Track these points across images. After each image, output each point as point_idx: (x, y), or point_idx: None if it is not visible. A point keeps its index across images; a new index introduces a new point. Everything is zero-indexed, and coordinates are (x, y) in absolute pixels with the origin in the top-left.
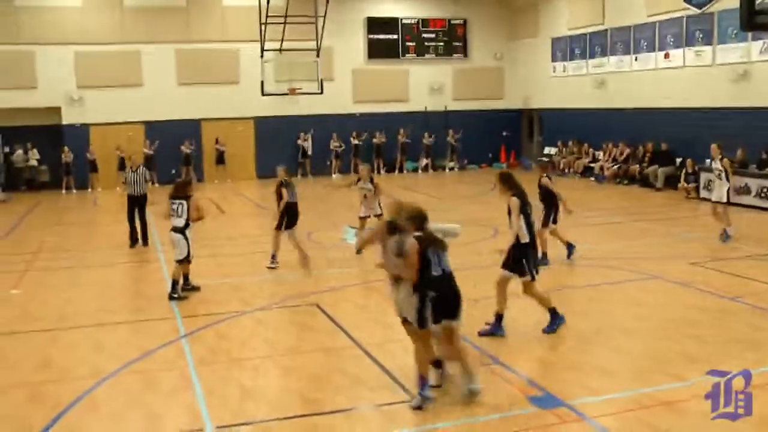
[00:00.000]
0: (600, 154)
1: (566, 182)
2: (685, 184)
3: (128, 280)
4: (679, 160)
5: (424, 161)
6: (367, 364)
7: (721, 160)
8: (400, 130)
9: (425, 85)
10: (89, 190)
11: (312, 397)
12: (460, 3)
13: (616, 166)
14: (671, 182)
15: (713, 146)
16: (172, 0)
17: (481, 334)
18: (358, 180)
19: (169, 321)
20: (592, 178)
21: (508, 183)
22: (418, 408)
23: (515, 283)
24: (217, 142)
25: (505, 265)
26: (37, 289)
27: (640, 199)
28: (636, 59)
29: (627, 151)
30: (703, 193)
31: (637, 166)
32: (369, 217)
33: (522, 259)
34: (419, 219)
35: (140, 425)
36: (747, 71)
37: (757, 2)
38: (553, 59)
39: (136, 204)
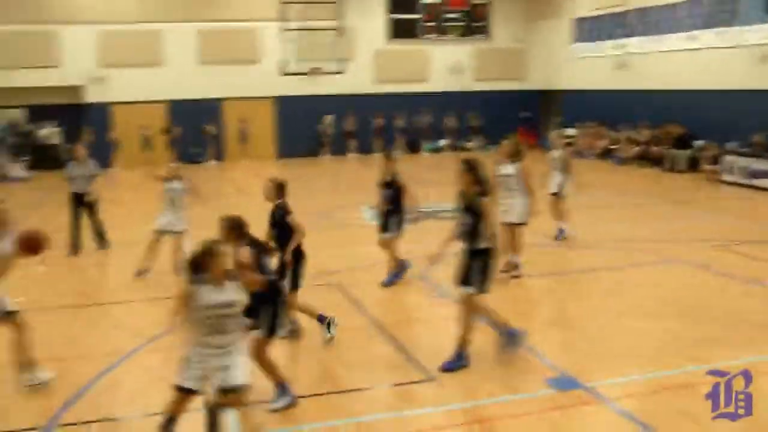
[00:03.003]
0: (621, 136)
1: (586, 164)
2: (707, 167)
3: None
4: (701, 142)
5: (444, 142)
6: (383, 342)
7: (563, 149)
8: (420, 110)
9: (445, 66)
10: (109, 168)
11: (331, 375)
12: None
13: (637, 149)
14: (693, 165)
15: (554, 134)
16: None
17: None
18: (166, 178)
19: None
20: (612, 160)
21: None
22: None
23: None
24: (241, 121)
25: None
26: (60, 266)
27: (661, 182)
28: (659, 40)
29: (648, 133)
30: (725, 176)
31: (659, 148)
32: (166, 233)
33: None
34: (237, 227)
35: (162, 402)
36: None
37: None
38: (576, 40)
39: (83, 204)
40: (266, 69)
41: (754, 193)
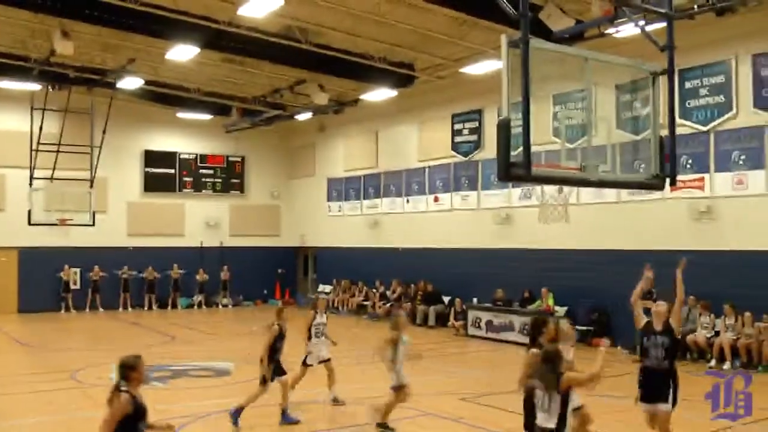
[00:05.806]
0: (373, 292)
1: (341, 320)
2: (454, 322)
3: None
4: (448, 298)
5: (198, 297)
6: None
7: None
8: (174, 265)
9: (202, 221)
10: None
11: None
12: (239, 140)
13: (388, 304)
14: (441, 320)
15: (320, 297)
16: None
17: None
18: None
19: None
20: (365, 316)
21: None
22: None
23: None
24: None
25: None
26: None
27: (413, 337)
28: (408, 201)
29: (399, 289)
30: (471, 330)
31: (409, 304)
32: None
33: None
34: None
35: None
36: (509, 215)
37: (511, 155)
38: (329, 199)
39: None
40: (11, 217)
41: (497, 346)
